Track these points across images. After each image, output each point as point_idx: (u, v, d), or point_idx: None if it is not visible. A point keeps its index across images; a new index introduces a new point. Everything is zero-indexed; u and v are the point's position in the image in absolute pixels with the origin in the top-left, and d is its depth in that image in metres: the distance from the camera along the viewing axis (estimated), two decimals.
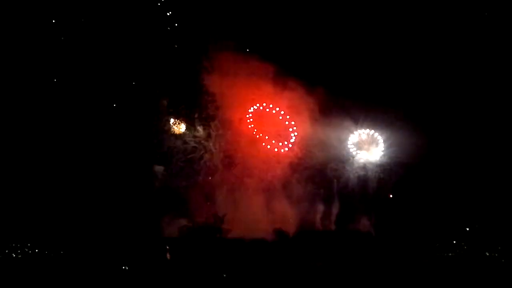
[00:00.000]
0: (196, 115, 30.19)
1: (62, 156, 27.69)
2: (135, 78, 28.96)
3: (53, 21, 27.73)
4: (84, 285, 24.39)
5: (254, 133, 31.28)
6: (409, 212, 30.96)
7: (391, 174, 31.91)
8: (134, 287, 25.26)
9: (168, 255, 27.34)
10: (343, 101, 31.40)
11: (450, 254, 30.12)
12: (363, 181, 32.06)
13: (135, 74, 28.86)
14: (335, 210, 32.42)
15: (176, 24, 29.50)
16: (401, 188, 31.64)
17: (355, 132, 32.49)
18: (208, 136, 30.13)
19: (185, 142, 29.96)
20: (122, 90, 28.75)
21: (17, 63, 27.21)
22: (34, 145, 27.48)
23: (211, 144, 30.20)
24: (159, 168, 29.18)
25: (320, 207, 32.26)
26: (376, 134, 32.27)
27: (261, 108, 31.31)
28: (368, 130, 32.32)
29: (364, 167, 32.31)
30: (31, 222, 27.33)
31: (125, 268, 25.89)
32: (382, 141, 32.26)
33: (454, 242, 30.51)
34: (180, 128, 30.01)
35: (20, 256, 26.73)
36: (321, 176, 32.07)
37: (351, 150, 32.47)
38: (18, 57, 27.18)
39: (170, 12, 29.27)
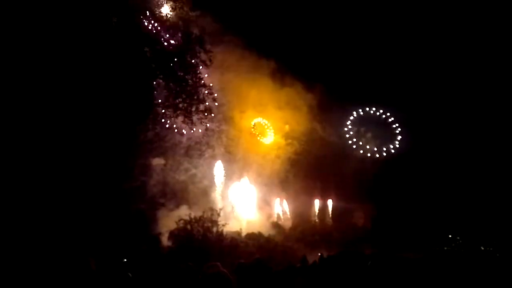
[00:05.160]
0: (193, 108, 29.90)
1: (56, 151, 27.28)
2: (131, 73, 28.49)
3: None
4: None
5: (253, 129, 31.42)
6: (405, 206, 31.29)
7: (388, 169, 32.19)
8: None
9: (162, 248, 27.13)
10: (342, 97, 31.54)
11: (445, 248, 30.58)
12: (361, 175, 32.30)
13: (130, 68, 28.40)
14: (332, 204, 32.71)
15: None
16: (397, 183, 31.94)
17: (353, 127, 32.68)
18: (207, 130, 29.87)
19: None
20: (117, 84, 28.31)
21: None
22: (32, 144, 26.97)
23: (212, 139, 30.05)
24: (158, 162, 28.99)
25: (317, 202, 32.55)
26: (373, 130, 32.48)
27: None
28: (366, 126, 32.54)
29: (361, 162, 32.52)
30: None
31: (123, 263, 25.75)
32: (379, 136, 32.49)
33: (450, 236, 30.96)
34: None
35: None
36: (319, 171, 32.25)
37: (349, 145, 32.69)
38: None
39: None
